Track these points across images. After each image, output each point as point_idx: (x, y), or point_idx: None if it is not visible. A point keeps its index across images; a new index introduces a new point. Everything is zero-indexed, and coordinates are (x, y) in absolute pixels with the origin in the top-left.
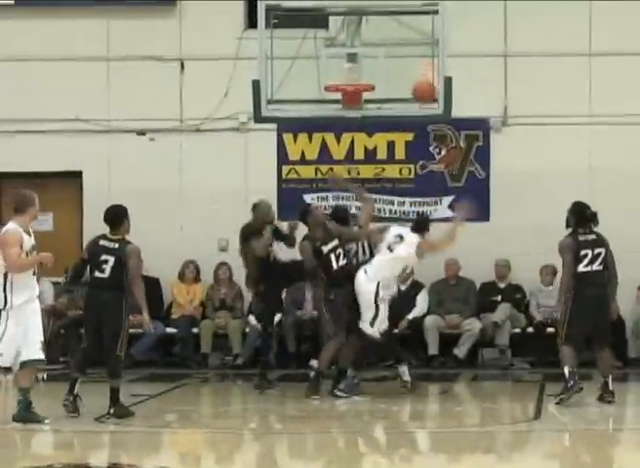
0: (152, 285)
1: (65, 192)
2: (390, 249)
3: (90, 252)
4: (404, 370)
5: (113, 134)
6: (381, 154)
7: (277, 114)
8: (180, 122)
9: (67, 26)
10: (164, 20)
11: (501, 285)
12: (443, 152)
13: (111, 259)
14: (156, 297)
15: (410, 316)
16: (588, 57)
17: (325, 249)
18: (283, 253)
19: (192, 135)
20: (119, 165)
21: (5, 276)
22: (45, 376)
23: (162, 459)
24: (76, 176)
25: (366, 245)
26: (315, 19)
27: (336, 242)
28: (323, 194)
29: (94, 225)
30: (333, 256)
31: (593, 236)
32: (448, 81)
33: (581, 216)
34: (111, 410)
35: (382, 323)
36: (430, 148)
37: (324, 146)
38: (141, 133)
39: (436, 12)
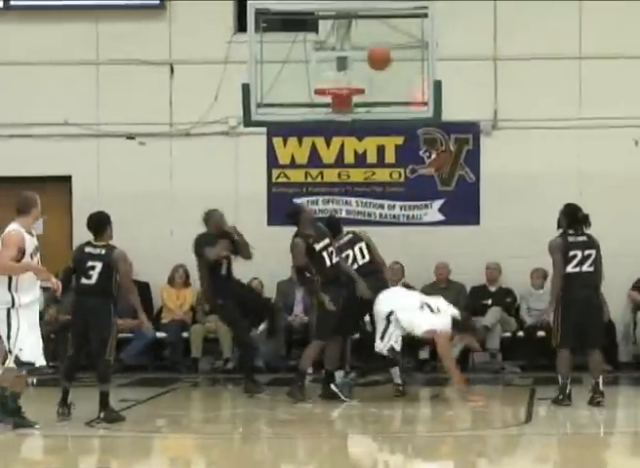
0: (142, 289)
1: (55, 196)
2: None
3: (76, 259)
4: (396, 373)
5: (103, 138)
6: (371, 158)
7: (267, 118)
8: (170, 126)
9: (56, 30)
10: (153, 24)
11: (492, 288)
12: (433, 156)
13: (98, 265)
14: (146, 302)
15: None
16: (578, 60)
17: (317, 246)
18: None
19: (182, 139)
20: (109, 169)
21: (10, 276)
22: (35, 381)
23: (152, 464)
24: (65, 181)
25: (364, 248)
26: (305, 22)
27: (327, 240)
28: (313, 198)
29: (83, 230)
30: (325, 254)
31: (584, 237)
32: (437, 84)
33: (573, 218)
34: (101, 415)
35: (391, 338)
36: (420, 152)
37: (314, 150)
38: (131, 137)
39: (426, 15)
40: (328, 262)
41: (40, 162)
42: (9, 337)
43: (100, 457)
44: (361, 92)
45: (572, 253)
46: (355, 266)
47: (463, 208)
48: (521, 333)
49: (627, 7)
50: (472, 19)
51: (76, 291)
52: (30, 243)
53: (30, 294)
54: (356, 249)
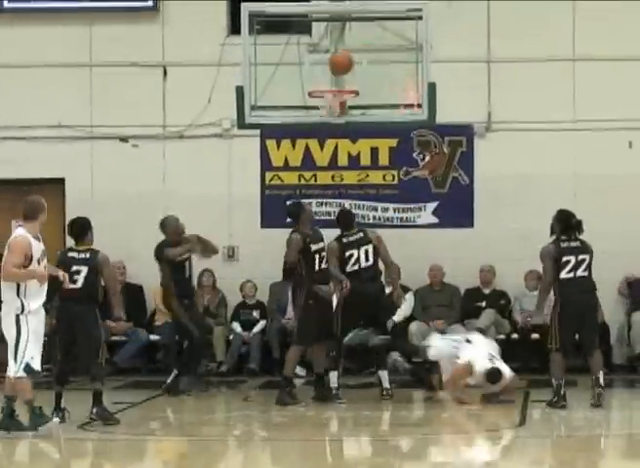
0: (136, 292)
1: (48, 199)
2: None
3: (61, 264)
4: (384, 376)
5: (96, 140)
6: (365, 160)
7: (261, 120)
8: (163, 128)
9: (49, 33)
10: (146, 27)
11: (486, 291)
12: (427, 158)
13: (84, 269)
14: (140, 305)
15: (395, 318)
16: (572, 62)
17: (313, 247)
18: None
19: (175, 141)
20: (102, 172)
21: (12, 284)
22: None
23: (146, 467)
24: (59, 183)
25: (370, 251)
26: (298, 24)
27: (321, 244)
28: (307, 200)
29: None
30: (317, 257)
31: (577, 243)
32: (432, 87)
33: (567, 224)
34: (94, 410)
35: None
36: (414, 154)
37: (307, 152)
38: (124, 139)
39: (420, 17)
40: (317, 266)
41: (33, 164)
42: (17, 344)
43: (94, 461)
44: (355, 94)
45: (565, 259)
46: (356, 268)
47: (457, 210)
48: (515, 336)
49: (621, 9)
50: (466, 21)
51: (61, 296)
52: (37, 248)
53: (38, 300)
54: (362, 250)
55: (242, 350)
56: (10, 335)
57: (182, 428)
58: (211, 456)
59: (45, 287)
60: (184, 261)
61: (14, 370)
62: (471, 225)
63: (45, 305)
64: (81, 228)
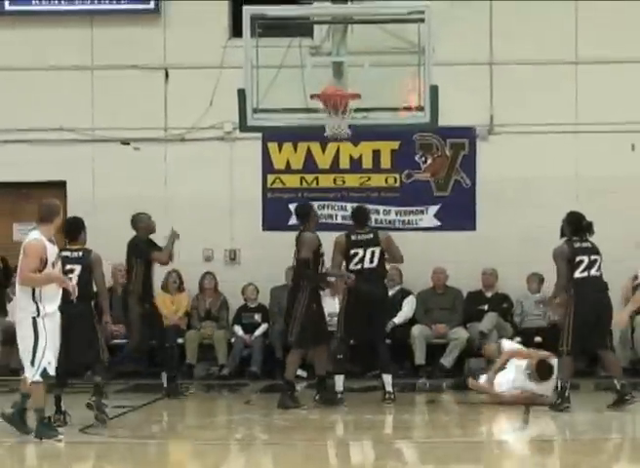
0: None
1: None
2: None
3: None
4: (387, 380)
5: (97, 143)
6: (367, 163)
7: (262, 123)
8: (165, 131)
9: (51, 35)
10: (148, 29)
11: (488, 294)
12: (429, 161)
13: (77, 268)
14: None
15: (395, 320)
16: (574, 65)
17: (320, 250)
18: None
19: (177, 144)
20: (103, 175)
21: (27, 288)
22: None
23: None
24: (60, 186)
25: (376, 254)
26: (300, 27)
27: (322, 250)
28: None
29: None
30: (321, 260)
31: (588, 244)
32: (434, 89)
33: (577, 226)
34: (93, 398)
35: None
36: (416, 157)
37: (309, 155)
38: (126, 142)
39: (422, 20)
40: (321, 269)
41: (35, 167)
42: (35, 349)
43: (95, 464)
44: (357, 97)
45: (579, 259)
46: (359, 267)
47: (459, 213)
48: (518, 339)
49: (623, 11)
50: (468, 23)
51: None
52: (52, 252)
53: (53, 304)
54: (368, 251)
55: (244, 353)
56: (26, 340)
57: (184, 431)
58: (212, 460)
59: (60, 290)
60: (153, 265)
61: (31, 374)
62: (473, 228)
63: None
64: (75, 228)
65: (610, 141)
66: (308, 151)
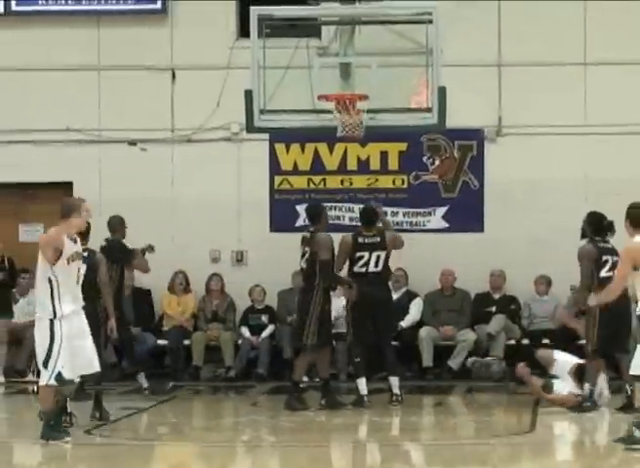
0: (144, 296)
1: (56, 203)
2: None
3: None
4: (394, 382)
5: (104, 144)
6: (375, 164)
7: (270, 124)
8: (172, 132)
9: (57, 36)
10: (155, 30)
11: (496, 296)
12: (437, 162)
13: (82, 267)
14: (148, 309)
15: (403, 323)
16: (583, 66)
17: (334, 251)
18: None
19: (184, 145)
20: (110, 175)
21: (50, 283)
22: (36, 388)
23: None
24: (67, 187)
25: (382, 258)
26: (308, 28)
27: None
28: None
29: None
30: (331, 262)
31: (609, 244)
32: (442, 91)
33: (598, 226)
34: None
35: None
36: (424, 159)
37: (317, 157)
38: (132, 143)
39: (430, 21)
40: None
41: (41, 168)
42: (50, 351)
43: (100, 466)
44: (365, 98)
45: (604, 259)
46: (363, 270)
47: (467, 215)
48: (526, 341)
49: (633, 12)
50: (476, 24)
51: None
52: (70, 247)
53: (72, 304)
54: (373, 255)
55: (250, 355)
56: (42, 341)
57: (190, 433)
58: (219, 462)
59: (79, 289)
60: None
61: (44, 378)
62: (481, 230)
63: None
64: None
65: (619, 143)
66: (316, 152)
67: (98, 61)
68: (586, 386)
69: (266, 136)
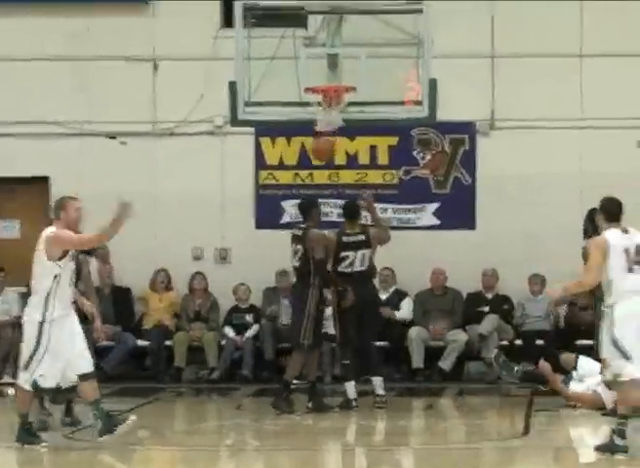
0: (123, 295)
1: (33, 198)
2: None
3: None
4: (378, 383)
5: (82, 137)
6: (363, 159)
7: (254, 117)
8: (153, 125)
9: (36, 25)
10: (136, 19)
11: (489, 295)
12: (427, 157)
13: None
14: (127, 308)
15: (397, 313)
16: (579, 58)
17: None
18: None
19: (166, 138)
20: (89, 170)
21: (54, 280)
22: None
23: None
24: (43, 182)
25: (367, 256)
26: (294, 17)
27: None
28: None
29: None
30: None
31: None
32: (433, 83)
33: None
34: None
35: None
36: (414, 153)
37: (303, 150)
38: (112, 136)
39: (420, 11)
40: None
41: (17, 162)
42: (34, 355)
43: None
44: (353, 90)
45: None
46: (349, 270)
47: (459, 211)
48: (519, 342)
49: (629, 4)
50: (469, 15)
51: None
52: None
53: (64, 305)
54: (358, 254)
55: (234, 356)
56: (28, 343)
57: (172, 437)
58: (200, 466)
59: (70, 290)
60: None
61: (22, 379)
62: (474, 227)
63: None
64: None
65: (615, 137)
66: (302, 146)
67: (77, 52)
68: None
69: (251, 129)
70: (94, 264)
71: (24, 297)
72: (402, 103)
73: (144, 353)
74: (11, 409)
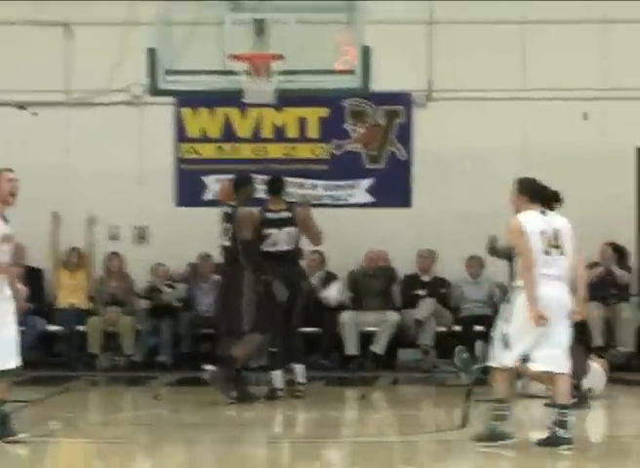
0: (35, 276)
1: None
2: None
3: None
4: (277, 376)
5: None
6: (292, 132)
7: (175, 86)
8: (67, 95)
9: None
10: None
11: (425, 278)
12: (360, 130)
13: None
14: (38, 290)
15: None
16: (522, 24)
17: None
18: None
19: (80, 109)
20: None
21: None
22: None
23: None
24: None
25: (292, 234)
26: None
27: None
28: (225, 176)
29: None
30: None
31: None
32: (366, 51)
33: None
34: None
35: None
36: (346, 126)
37: (227, 123)
38: (22, 106)
39: None
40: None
41: None
42: None
43: None
44: (280, 58)
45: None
46: (273, 250)
47: (394, 188)
48: (457, 328)
49: None
50: None
51: None
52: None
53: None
54: (283, 232)
55: (152, 342)
56: None
57: (86, 429)
58: (117, 460)
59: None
60: None
61: None
62: (410, 205)
63: None
64: None
65: (560, 109)
66: (226, 118)
67: None
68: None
69: (171, 99)
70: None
71: None
72: (333, 72)
73: (56, 338)
74: None
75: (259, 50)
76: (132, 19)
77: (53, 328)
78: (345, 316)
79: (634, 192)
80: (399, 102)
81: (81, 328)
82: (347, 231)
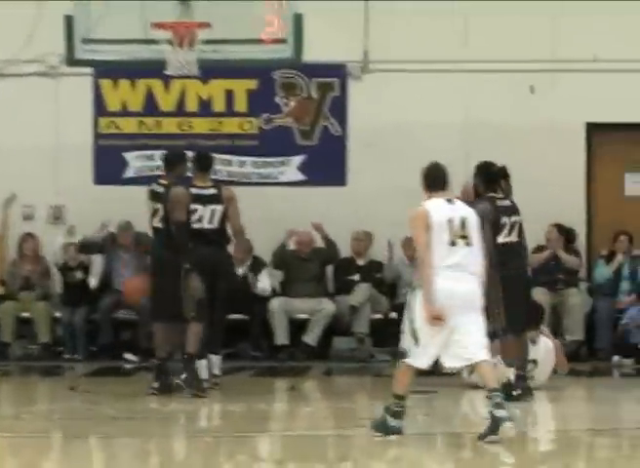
0: None
1: None
2: None
3: None
4: (202, 366)
5: None
6: (218, 105)
7: (94, 56)
8: None
9: None
10: None
11: (360, 262)
12: (292, 104)
13: None
14: None
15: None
16: None
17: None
18: None
19: None
20: None
21: None
22: None
23: None
24: None
25: (217, 212)
26: None
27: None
28: (148, 152)
29: None
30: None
31: (508, 202)
32: (298, 19)
33: (490, 177)
34: None
35: None
36: (276, 99)
37: (149, 95)
38: None
39: None
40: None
41: None
42: None
43: None
44: (206, 26)
45: (502, 221)
46: (198, 226)
47: (328, 165)
48: (394, 315)
49: None
50: None
51: None
52: None
53: None
54: (208, 209)
55: (69, 329)
56: None
57: None
58: (29, 456)
59: None
60: None
61: None
62: (344, 183)
63: None
64: None
65: (505, 82)
66: (149, 90)
67: None
68: (511, 374)
69: (90, 70)
70: None
71: None
72: (262, 42)
73: None
74: None
75: (183, 18)
76: None
77: None
78: (275, 303)
79: (584, 171)
80: (333, 74)
81: None
82: (277, 211)
